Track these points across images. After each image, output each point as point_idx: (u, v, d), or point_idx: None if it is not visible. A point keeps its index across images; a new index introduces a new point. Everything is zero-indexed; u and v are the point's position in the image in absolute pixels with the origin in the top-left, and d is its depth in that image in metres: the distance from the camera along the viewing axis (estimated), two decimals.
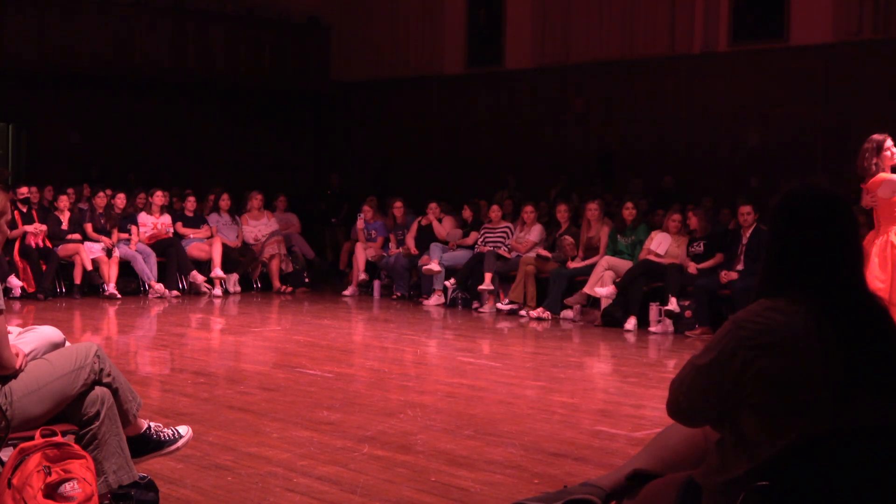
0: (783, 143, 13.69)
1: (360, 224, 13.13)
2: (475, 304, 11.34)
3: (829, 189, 2.46)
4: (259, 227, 13.06)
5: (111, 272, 11.66)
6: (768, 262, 2.47)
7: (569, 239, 10.84)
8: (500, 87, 16.70)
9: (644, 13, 14.82)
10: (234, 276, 12.59)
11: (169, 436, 3.91)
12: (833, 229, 2.40)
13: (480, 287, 11.17)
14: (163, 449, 3.89)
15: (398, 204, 12.78)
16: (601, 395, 6.78)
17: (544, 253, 10.94)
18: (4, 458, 3.42)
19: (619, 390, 6.84)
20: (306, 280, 13.27)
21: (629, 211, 10.52)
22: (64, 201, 11.96)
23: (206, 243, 12.55)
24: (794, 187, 2.48)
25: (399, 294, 12.33)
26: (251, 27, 18.13)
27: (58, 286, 11.63)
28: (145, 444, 3.84)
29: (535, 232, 11.39)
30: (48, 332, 3.71)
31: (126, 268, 11.95)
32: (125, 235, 12.04)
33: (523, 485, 4.31)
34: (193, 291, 12.19)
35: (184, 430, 3.97)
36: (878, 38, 12.88)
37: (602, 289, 10.03)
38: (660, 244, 10.03)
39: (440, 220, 12.36)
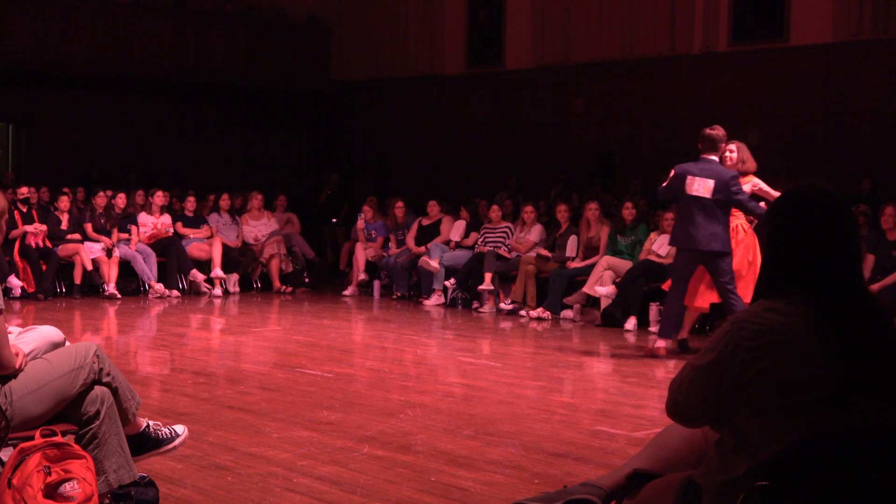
0: (783, 143, 13.70)
1: (360, 224, 13.13)
2: (475, 304, 11.34)
3: (827, 189, 2.46)
4: (259, 227, 13.06)
5: (111, 272, 11.66)
6: (767, 262, 2.47)
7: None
8: (500, 87, 16.70)
9: (644, 13, 14.83)
10: (234, 276, 12.59)
11: (166, 434, 3.91)
12: (832, 229, 2.40)
13: (480, 287, 11.17)
14: (161, 447, 3.90)
15: (399, 204, 12.77)
16: (601, 395, 6.77)
17: (544, 253, 10.95)
18: (4, 458, 3.42)
19: (619, 390, 6.84)
20: (306, 280, 13.27)
21: (629, 211, 10.52)
22: (64, 201, 11.96)
23: (206, 243, 12.55)
24: (793, 187, 2.48)
25: (399, 294, 12.32)
26: (251, 27, 18.15)
27: (58, 286, 11.63)
28: (144, 443, 3.84)
29: (535, 232, 11.39)
30: (48, 332, 3.71)
31: (126, 268, 11.94)
32: (125, 235, 12.04)
33: (523, 485, 4.31)
34: (193, 291, 12.19)
35: (180, 428, 3.98)
36: (878, 38, 12.89)
37: (602, 289, 10.03)
38: (661, 245, 10.03)
39: (440, 221, 12.35)
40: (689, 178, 7.57)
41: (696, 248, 7.48)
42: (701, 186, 7.49)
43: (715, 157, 7.62)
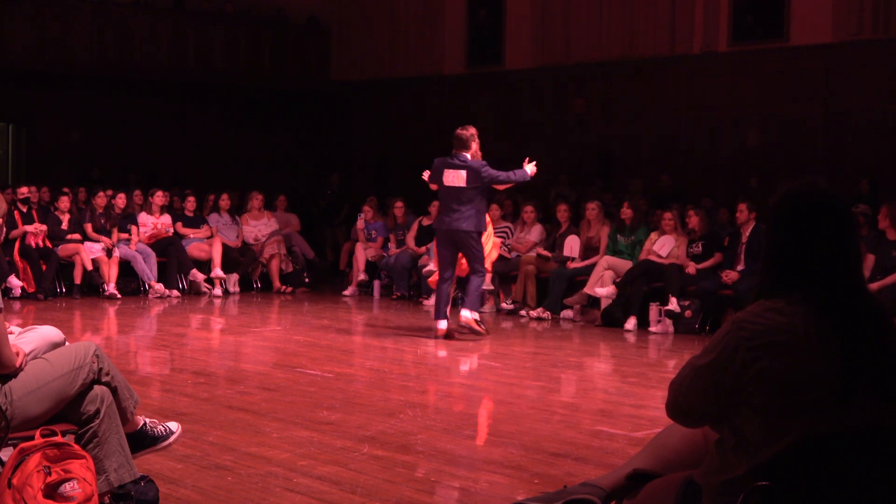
0: (783, 143, 13.70)
1: (360, 224, 13.13)
2: None
3: (826, 188, 2.45)
4: (259, 227, 13.06)
5: (111, 272, 11.66)
6: (767, 262, 2.46)
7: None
8: (500, 87, 16.70)
9: (644, 13, 14.82)
10: (235, 276, 12.59)
11: (162, 432, 3.92)
12: (831, 229, 2.39)
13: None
14: (157, 444, 3.91)
15: (399, 204, 12.77)
16: (601, 395, 6.77)
17: (544, 253, 10.95)
18: (4, 458, 3.42)
19: (619, 390, 6.84)
20: (306, 280, 13.27)
21: (625, 211, 10.52)
22: (64, 201, 11.96)
23: (206, 243, 12.55)
24: (792, 187, 2.47)
25: (399, 294, 12.32)
26: (251, 27, 18.15)
27: (58, 286, 11.62)
28: (141, 441, 3.85)
29: (535, 232, 11.39)
30: (48, 332, 3.71)
31: (126, 268, 11.94)
32: (125, 235, 12.04)
33: (523, 485, 4.31)
34: (193, 291, 12.19)
35: (174, 426, 3.99)
36: (878, 38, 12.89)
37: (602, 289, 10.03)
38: (662, 246, 10.03)
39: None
40: (445, 171, 8.76)
41: (453, 229, 8.63)
42: (455, 178, 8.67)
43: (468, 154, 8.73)
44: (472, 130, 8.74)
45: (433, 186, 9.05)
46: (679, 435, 2.79)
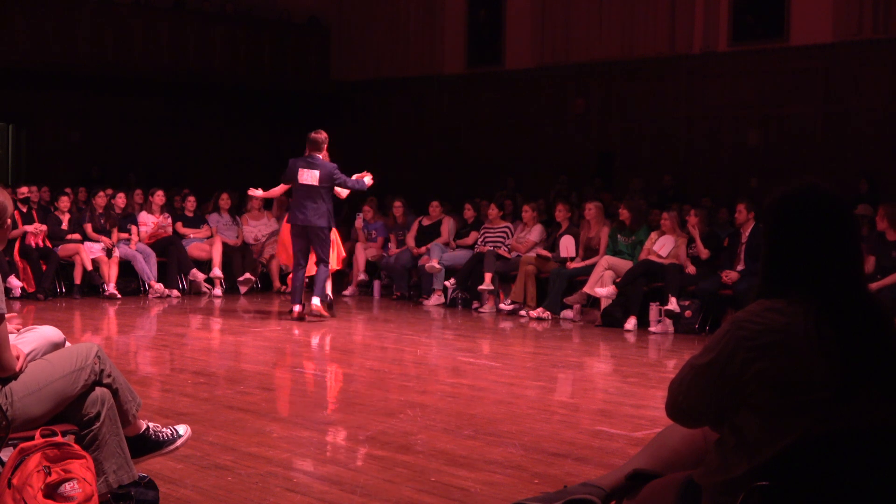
0: (783, 143, 13.70)
1: (358, 223, 13.13)
2: (475, 304, 11.34)
3: (824, 188, 2.44)
4: (259, 227, 13.05)
5: (111, 272, 11.66)
6: (766, 262, 2.46)
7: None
8: (500, 87, 16.71)
9: (644, 13, 14.83)
10: (246, 275, 12.49)
11: (168, 436, 3.90)
12: (830, 229, 2.39)
13: (480, 287, 11.16)
14: (162, 449, 3.89)
15: (398, 203, 12.78)
16: (601, 395, 6.77)
17: (544, 253, 10.95)
18: (4, 458, 3.42)
19: (619, 390, 6.84)
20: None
21: (622, 212, 10.52)
22: (64, 201, 11.96)
23: (206, 243, 12.55)
24: (790, 187, 2.46)
25: (399, 294, 12.32)
26: (251, 27, 18.15)
27: (58, 286, 11.62)
28: (144, 445, 3.84)
29: (535, 232, 11.39)
30: (48, 333, 3.70)
31: (126, 268, 11.94)
32: (125, 235, 12.04)
33: (523, 485, 4.31)
34: (193, 291, 12.19)
35: (182, 429, 3.97)
36: (878, 38, 12.89)
37: (602, 289, 10.03)
38: (662, 246, 10.03)
39: (440, 221, 12.35)
40: (299, 170, 9.72)
41: (307, 224, 9.61)
42: (310, 177, 9.67)
43: (320, 155, 9.79)
44: (325, 135, 9.92)
45: (285, 187, 10.08)
46: (679, 435, 2.79)
